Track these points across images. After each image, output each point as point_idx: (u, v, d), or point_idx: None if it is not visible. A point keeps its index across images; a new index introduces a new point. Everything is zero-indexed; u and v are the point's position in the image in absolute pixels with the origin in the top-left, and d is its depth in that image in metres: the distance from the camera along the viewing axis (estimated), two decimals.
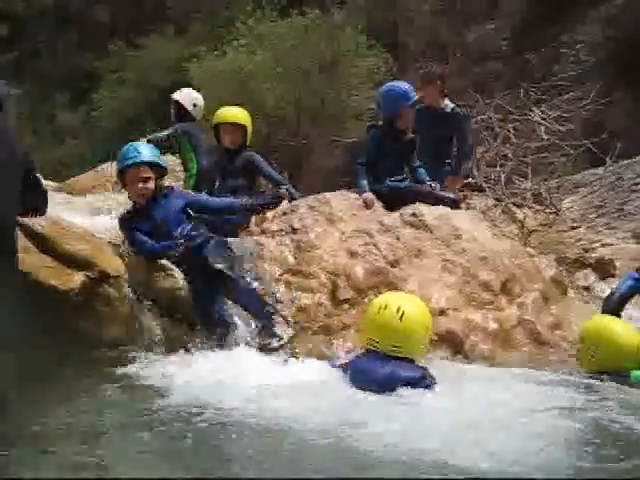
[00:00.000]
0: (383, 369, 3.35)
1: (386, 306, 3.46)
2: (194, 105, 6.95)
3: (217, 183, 5.56)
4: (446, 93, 6.36)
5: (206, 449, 2.65)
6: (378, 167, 5.26)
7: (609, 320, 4.31)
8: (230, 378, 3.45)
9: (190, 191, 5.54)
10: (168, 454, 2.63)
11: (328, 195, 5.00)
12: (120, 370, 3.58)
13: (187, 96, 6.96)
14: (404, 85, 5.60)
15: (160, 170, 4.31)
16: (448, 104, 6.29)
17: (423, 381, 3.34)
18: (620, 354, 3.97)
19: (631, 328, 4.13)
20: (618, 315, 4.41)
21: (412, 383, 3.30)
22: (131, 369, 3.60)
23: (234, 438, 2.76)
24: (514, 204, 7.95)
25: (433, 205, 5.08)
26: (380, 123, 5.53)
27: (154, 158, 4.27)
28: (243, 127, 5.56)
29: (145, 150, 4.29)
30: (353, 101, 13.81)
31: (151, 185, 4.23)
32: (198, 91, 7.52)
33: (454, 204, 5.36)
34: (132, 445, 2.70)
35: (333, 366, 3.68)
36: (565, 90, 9.56)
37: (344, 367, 3.58)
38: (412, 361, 3.45)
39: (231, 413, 2.96)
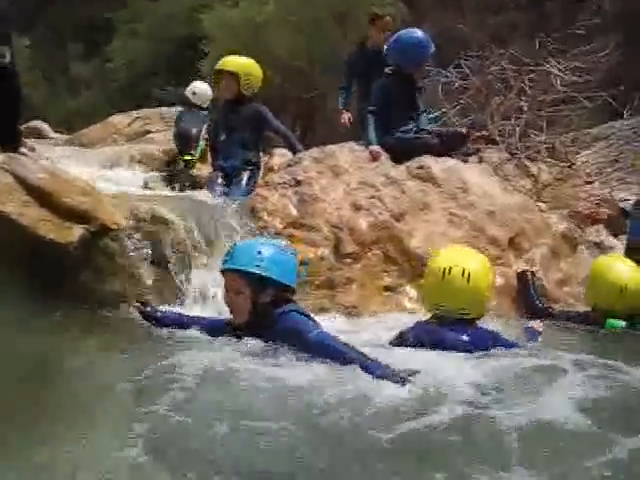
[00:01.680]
0: (462, 337, 3.24)
1: (450, 269, 3.32)
2: (193, 93, 7.94)
3: (223, 136, 5.47)
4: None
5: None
6: (387, 116, 5.16)
7: (614, 258, 4.41)
8: None
9: None
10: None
11: (333, 147, 4.92)
12: (121, 325, 3.55)
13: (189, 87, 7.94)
14: (421, 34, 5.46)
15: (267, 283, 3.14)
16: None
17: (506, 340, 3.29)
18: (605, 291, 4.05)
19: (627, 269, 4.11)
20: None
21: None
22: (130, 324, 3.56)
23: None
24: (528, 158, 7.81)
25: (442, 155, 5.00)
26: (389, 71, 5.38)
27: (247, 266, 3.12)
28: (235, 75, 5.38)
29: (240, 251, 3.23)
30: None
31: (242, 300, 3.16)
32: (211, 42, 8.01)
33: (464, 138, 5.26)
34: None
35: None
36: (585, 41, 9.30)
37: (402, 337, 3.38)
38: (473, 322, 3.35)
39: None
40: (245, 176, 5.20)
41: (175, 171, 7.60)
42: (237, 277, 3.15)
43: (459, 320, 3.31)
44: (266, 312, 3.11)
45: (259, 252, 3.14)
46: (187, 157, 7.75)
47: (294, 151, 5.21)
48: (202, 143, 7.70)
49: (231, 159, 5.29)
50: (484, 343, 3.22)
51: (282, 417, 2.36)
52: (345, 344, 2.92)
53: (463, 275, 3.29)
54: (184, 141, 7.90)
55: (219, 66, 5.52)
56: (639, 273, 4.13)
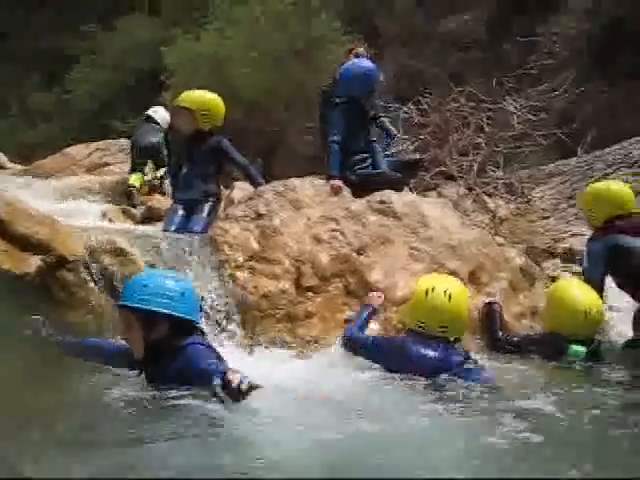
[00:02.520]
0: (434, 353, 3.45)
1: (433, 289, 3.58)
2: (155, 112, 8.53)
3: (185, 169, 5.44)
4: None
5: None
6: (346, 144, 5.20)
7: (567, 283, 4.50)
8: None
9: None
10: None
11: (295, 181, 4.92)
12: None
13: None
14: (369, 64, 5.56)
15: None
16: None
17: (469, 362, 3.47)
18: (567, 316, 4.11)
19: (586, 293, 4.22)
20: None
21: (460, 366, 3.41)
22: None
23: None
24: (486, 193, 7.95)
25: (401, 190, 5.06)
26: (339, 100, 5.44)
27: (131, 301, 3.03)
28: (191, 111, 5.36)
29: (128, 286, 3.15)
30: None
31: (135, 336, 3.06)
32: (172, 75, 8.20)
33: (418, 164, 5.32)
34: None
35: (350, 337, 3.78)
36: (540, 81, 9.55)
37: (364, 341, 3.73)
38: (451, 344, 3.54)
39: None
40: (206, 208, 5.17)
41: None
42: (127, 312, 3.05)
43: (436, 338, 3.50)
44: (162, 347, 2.98)
45: (144, 285, 3.04)
46: (133, 181, 7.80)
47: (255, 184, 5.21)
48: (162, 170, 7.81)
49: (191, 191, 5.26)
50: (448, 364, 3.38)
51: None
52: None
53: (445, 294, 3.55)
54: (145, 153, 8.04)
55: (176, 102, 5.53)
56: (595, 295, 4.24)
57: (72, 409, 2.87)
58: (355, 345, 3.76)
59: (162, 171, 7.87)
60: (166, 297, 3.00)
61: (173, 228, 5.08)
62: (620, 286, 4.70)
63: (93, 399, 2.95)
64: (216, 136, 5.42)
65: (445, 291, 3.57)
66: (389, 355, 3.57)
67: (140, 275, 3.25)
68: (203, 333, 3.17)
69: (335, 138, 5.17)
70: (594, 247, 4.65)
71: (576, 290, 4.26)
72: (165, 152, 7.99)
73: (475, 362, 3.52)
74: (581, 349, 4.07)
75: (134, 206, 7.38)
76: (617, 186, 4.94)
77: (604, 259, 4.55)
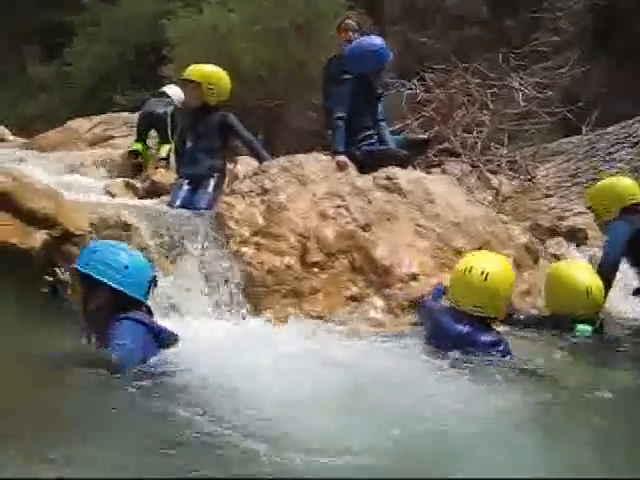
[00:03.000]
0: (462, 327, 3.48)
1: (471, 268, 3.57)
2: (169, 88, 8.40)
3: (189, 143, 5.41)
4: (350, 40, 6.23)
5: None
6: (352, 120, 5.16)
7: (568, 264, 4.59)
8: None
9: None
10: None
11: (300, 156, 4.90)
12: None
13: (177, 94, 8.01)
14: (380, 42, 5.49)
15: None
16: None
17: (498, 346, 3.45)
18: (570, 296, 4.14)
19: (588, 272, 4.28)
20: None
21: (489, 346, 3.42)
22: None
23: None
24: (489, 170, 7.92)
25: (406, 162, 5.04)
26: (348, 77, 5.39)
27: (78, 264, 3.11)
28: (198, 84, 5.35)
29: (83, 250, 3.25)
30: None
31: (79, 300, 3.18)
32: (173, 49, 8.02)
33: (426, 144, 5.31)
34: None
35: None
36: (545, 57, 9.48)
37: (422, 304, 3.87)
38: (489, 325, 3.55)
39: None
40: (211, 183, 5.16)
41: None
42: (76, 275, 3.13)
43: (474, 317, 3.52)
44: (97, 316, 3.07)
45: (94, 252, 3.13)
46: (135, 147, 7.78)
47: (260, 159, 5.19)
48: (167, 147, 7.74)
49: (197, 166, 5.24)
50: (474, 342, 3.42)
51: None
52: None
53: (482, 274, 3.52)
54: (147, 120, 8.05)
55: (184, 75, 5.49)
56: (594, 274, 4.29)
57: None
58: (422, 314, 3.91)
59: (167, 149, 7.78)
60: (108, 267, 3.06)
61: (178, 203, 5.07)
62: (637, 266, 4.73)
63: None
64: (222, 110, 5.39)
65: (482, 271, 3.54)
66: (433, 324, 3.67)
67: (96, 242, 3.36)
68: (150, 312, 3.19)
69: (340, 114, 5.14)
70: (620, 227, 4.65)
71: (576, 270, 4.30)
72: (171, 127, 7.92)
73: (506, 345, 3.51)
74: (587, 328, 4.08)
75: (140, 171, 7.43)
76: (625, 179, 5.10)
77: (627, 240, 4.58)
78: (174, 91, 8.22)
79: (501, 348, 3.45)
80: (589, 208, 4.80)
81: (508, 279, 3.63)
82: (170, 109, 8.02)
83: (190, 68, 5.50)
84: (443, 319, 3.58)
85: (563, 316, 4.15)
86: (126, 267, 3.08)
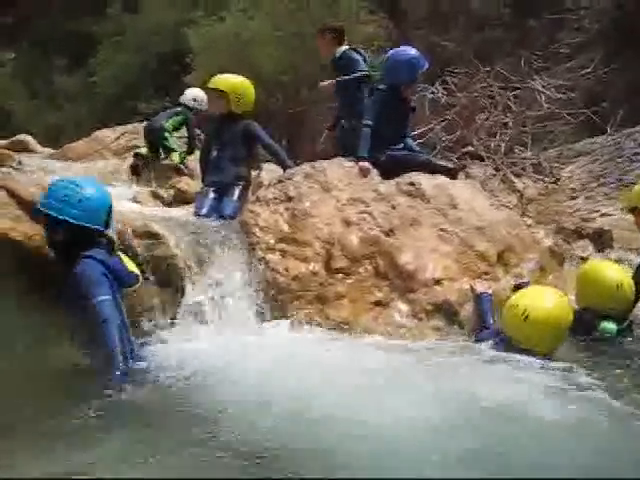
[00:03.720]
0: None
1: (517, 305, 3.73)
2: (194, 100, 8.21)
3: (214, 152, 5.47)
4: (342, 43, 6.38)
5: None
6: (379, 131, 5.18)
7: (599, 261, 4.74)
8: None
9: None
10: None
11: (324, 163, 4.93)
12: None
13: (188, 94, 8.27)
14: (415, 52, 5.48)
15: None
16: (340, 50, 6.31)
17: None
18: (600, 290, 4.21)
19: (619, 269, 4.39)
20: None
21: None
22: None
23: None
24: (513, 173, 7.91)
25: (430, 174, 5.03)
26: (382, 87, 5.42)
27: (41, 205, 3.23)
28: (224, 93, 5.41)
29: (46, 191, 3.32)
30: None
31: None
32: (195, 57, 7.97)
33: (451, 173, 5.31)
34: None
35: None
36: (568, 58, 9.44)
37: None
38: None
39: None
40: (236, 192, 5.21)
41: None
42: (39, 216, 3.30)
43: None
44: (62, 251, 3.26)
45: (51, 189, 3.26)
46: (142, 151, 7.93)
47: (284, 167, 5.24)
48: (176, 149, 7.89)
49: (222, 174, 5.30)
50: None
51: None
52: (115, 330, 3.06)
53: (523, 314, 3.67)
54: (148, 134, 8.20)
55: (210, 84, 5.55)
56: (626, 272, 4.38)
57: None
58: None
59: (177, 156, 7.91)
60: (62, 201, 3.20)
61: (205, 211, 5.13)
62: None
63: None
64: (246, 119, 5.45)
65: (524, 311, 3.69)
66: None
67: (52, 180, 3.44)
68: (111, 245, 3.33)
69: (368, 122, 5.15)
70: None
71: (607, 266, 4.44)
72: (171, 137, 8.03)
73: None
74: (611, 326, 4.13)
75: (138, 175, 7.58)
76: None
77: None
78: (186, 97, 8.26)
79: None
80: (633, 210, 4.73)
81: (551, 321, 3.70)
82: (177, 119, 8.10)
83: (216, 77, 5.55)
84: None
85: (589, 312, 4.18)
86: (80, 200, 3.21)
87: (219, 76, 5.59)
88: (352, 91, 6.04)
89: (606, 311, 4.19)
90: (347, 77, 6.05)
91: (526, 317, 3.65)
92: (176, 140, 8.02)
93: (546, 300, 3.76)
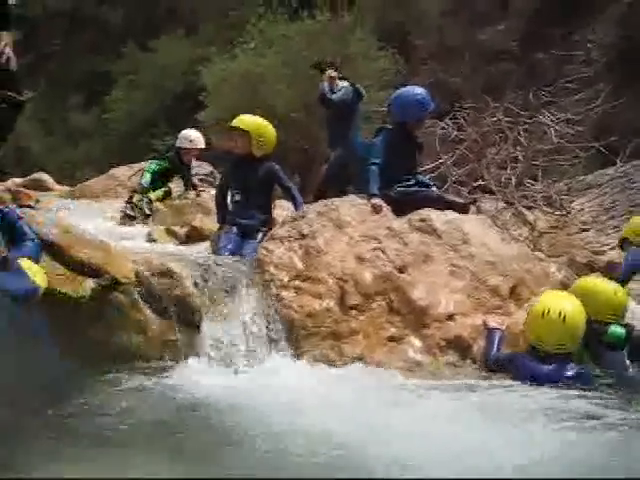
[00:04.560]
0: (541, 367, 3.87)
1: (549, 310, 3.95)
2: (190, 140, 8.34)
3: (237, 197, 5.49)
4: (342, 77, 7.45)
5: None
6: (387, 170, 5.26)
7: (588, 277, 4.95)
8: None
9: None
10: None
11: (336, 201, 5.01)
12: (133, 380, 3.62)
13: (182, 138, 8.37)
14: (422, 91, 5.56)
15: None
16: (339, 84, 7.23)
17: (581, 377, 3.85)
18: (600, 298, 4.30)
19: (609, 281, 4.60)
20: None
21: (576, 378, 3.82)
22: (144, 378, 3.64)
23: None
24: (524, 206, 7.98)
25: (442, 210, 5.09)
26: (389, 126, 5.53)
27: None
28: (246, 133, 5.43)
29: None
30: (363, 103, 13.79)
31: None
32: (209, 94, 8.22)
33: (463, 208, 5.38)
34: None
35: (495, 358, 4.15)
36: (576, 91, 9.55)
37: (504, 360, 4.09)
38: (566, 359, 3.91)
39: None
40: (260, 235, 5.24)
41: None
42: None
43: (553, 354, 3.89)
44: None
45: None
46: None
47: (297, 207, 5.31)
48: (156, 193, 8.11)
49: (249, 219, 5.34)
50: (560, 378, 3.79)
51: None
52: None
53: (560, 315, 3.93)
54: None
55: (234, 123, 5.56)
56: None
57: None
58: (501, 364, 4.12)
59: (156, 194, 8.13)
60: None
61: (229, 249, 5.09)
62: None
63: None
64: (267, 161, 5.50)
65: (560, 312, 3.92)
66: (517, 369, 3.95)
67: None
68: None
69: (376, 161, 5.23)
70: None
71: (599, 278, 4.77)
72: (150, 179, 8.22)
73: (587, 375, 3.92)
74: (620, 330, 4.22)
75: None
76: None
77: None
78: (179, 140, 8.45)
79: (582, 379, 3.82)
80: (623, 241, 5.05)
81: (582, 317, 4.02)
82: (150, 167, 8.33)
83: (240, 117, 5.59)
84: (529, 363, 3.90)
85: (594, 321, 4.23)
86: None
87: (243, 116, 5.63)
88: (344, 123, 6.51)
89: (606, 319, 4.26)
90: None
91: (564, 318, 3.90)
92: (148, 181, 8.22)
93: (567, 298, 4.12)
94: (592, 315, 4.24)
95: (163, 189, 8.20)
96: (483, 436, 2.89)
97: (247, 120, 5.55)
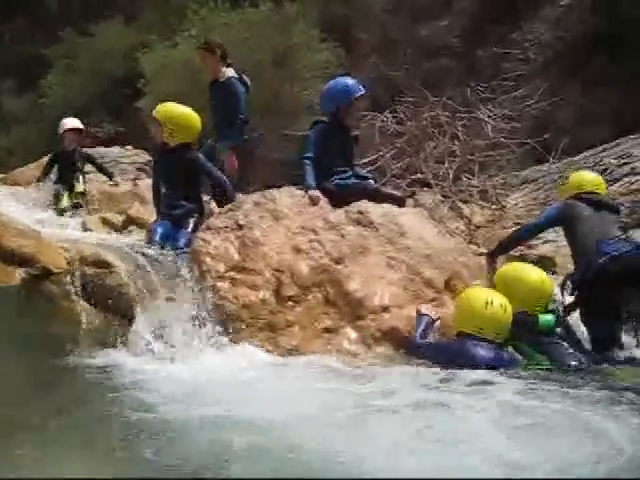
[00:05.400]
0: (489, 352, 4.07)
1: (492, 301, 4.18)
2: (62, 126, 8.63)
3: (164, 189, 5.45)
4: (229, 63, 6.75)
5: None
6: (323, 162, 5.26)
7: (515, 264, 5.01)
8: None
9: None
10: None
11: (274, 191, 5.00)
12: (62, 372, 3.55)
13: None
14: (349, 79, 5.59)
15: None
16: (227, 74, 6.65)
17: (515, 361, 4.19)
18: (528, 289, 4.46)
19: (533, 267, 4.74)
20: None
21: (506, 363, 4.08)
22: (74, 370, 3.57)
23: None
24: (461, 200, 8.11)
25: (379, 203, 5.13)
26: (324, 119, 5.54)
27: None
28: (158, 121, 5.36)
29: None
30: (305, 95, 13.82)
31: None
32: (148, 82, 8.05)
33: (400, 201, 5.44)
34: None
35: (418, 343, 4.24)
36: (513, 88, 9.74)
37: (429, 346, 4.23)
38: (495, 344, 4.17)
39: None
40: (191, 223, 5.21)
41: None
42: None
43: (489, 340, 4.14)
44: None
45: None
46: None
47: (228, 198, 5.27)
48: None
49: (175, 210, 5.30)
50: (501, 362, 4.05)
51: None
52: None
53: (501, 307, 4.20)
54: None
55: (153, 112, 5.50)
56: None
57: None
58: (420, 350, 4.24)
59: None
60: None
61: (158, 238, 5.03)
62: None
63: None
64: (189, 152, 5.42)
65: (501, 304, 4.19)
66: (452, 356, 4.06)
67: None
68: None
69: (307, 155, 5.23)
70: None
71: (524, 266, 4.79)
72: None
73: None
74: (550, 317, 4.40)
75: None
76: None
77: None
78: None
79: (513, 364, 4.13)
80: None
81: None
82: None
83: (159, 105, 5.51)
84: (472, 350, 4.06)
85: (524, 313, 4.38)
86: None
87: (163, 104, 5.53)
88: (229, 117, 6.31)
89: (534, 308, 4.42)
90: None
91: (505, 309, 4.17)
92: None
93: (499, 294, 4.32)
94: (519, 304, 4.38)
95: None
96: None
97: (161, 108, 5.44)
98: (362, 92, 5.49)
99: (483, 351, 4.06)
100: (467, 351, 4.06)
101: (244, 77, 6.78)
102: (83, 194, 7.99)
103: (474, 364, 3.92)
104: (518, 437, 2.76)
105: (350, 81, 5.53)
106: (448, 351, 4.15)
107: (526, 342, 4.38)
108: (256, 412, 2.97)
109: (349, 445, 2.66)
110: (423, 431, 2.82)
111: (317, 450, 2.60)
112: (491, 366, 3.92)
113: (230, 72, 6.63)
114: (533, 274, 4.55)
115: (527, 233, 5.66)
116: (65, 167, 8.21)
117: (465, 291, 4.48)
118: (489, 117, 8.37)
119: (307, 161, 5.20)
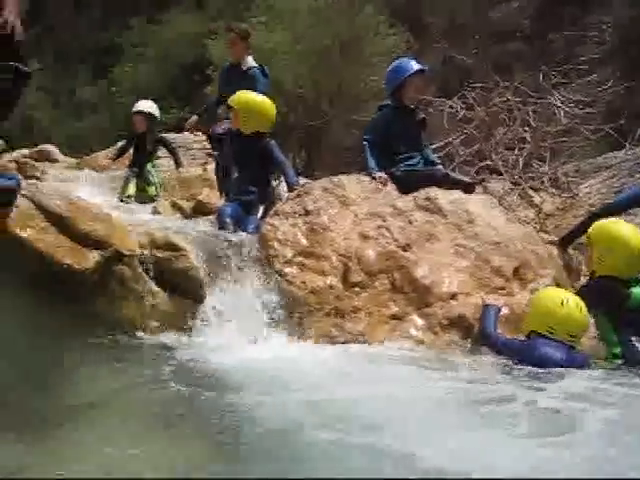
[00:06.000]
0: (561, 353, 3.87)
1: (568, 300, 3.96)
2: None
3: (235, 173, 5.51)
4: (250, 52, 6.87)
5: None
6: (387, 147, 5.23)
7: (617, 222, 4.55)
8: None
9: None
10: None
11: (342, 178, 5.00)
12: (133, 352, 3.63)
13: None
14: (397, 62, 5.54)
15: None
16: (248, 62, 6.74)
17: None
18: (631, 256, 4.19)
19: (637, 231, 4.36)
20: None
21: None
22: (145, 351, 3.65)
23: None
24: (531, 188, 7.92)
25: (448, 189, 5.08)
26: (389, 102, 5.50)
27: None
28: (233, 110, 5.49)
29: None
30: (372, 80, 13.73)
31: None
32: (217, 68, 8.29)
33: (469, 188, 5.36)
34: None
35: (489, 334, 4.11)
36: (587, 72, 9.46)
37: (500, 341, 4.07)
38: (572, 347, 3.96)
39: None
40: (261, 209, 5.28)
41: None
42: None
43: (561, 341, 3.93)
44: None
45: None
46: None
47: (288, 183, 5.29)
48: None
49: (246, 194, 5.36)
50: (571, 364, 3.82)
51: None
52: None
53: (577, 306, 3.95)
54: None
55: (229, 100, 5.62)
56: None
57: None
58: (490, 341, 4.12)
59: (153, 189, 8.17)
60: None
61: (227, 218, 5.10)
62: None
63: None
64: (262, 138, 5.49)
65: (577, 304, 3.96)
66: (522, 356, 3.90)
67: None
68: None
69: (367, 137, 5.23)
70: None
71: (630, 225, 4.42)
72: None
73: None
74: None
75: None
76: None
77: None
78: (148, 106, 8.69)
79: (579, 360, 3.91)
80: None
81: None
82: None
83: (237, 93, 5.60)
84: (542, 349, 3.88)
85: (613, 280, 4.19)
86: None
87: (241, 92, 5.65)
88: None
89: (634, 273, 4.19)
90: None
91: (581, 309, 3.92)
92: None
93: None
94: (612, 269, 4.22)
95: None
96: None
97: (238, 97, 5.54)
98: (415, 69, 5.39)
99: (554, 351, 3.90)
100: (537, 350, 3.91)
101: (265, 69, 6.90)
102: (161, 185, 8.14)
103: (544, 365, 3.77)
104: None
105: (404, 60, 5.49)
106: (518, 351, 4.00)
107: (607, 316, 4.18)
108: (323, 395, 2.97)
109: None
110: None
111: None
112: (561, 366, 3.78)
113: (251, 61, 6.75)
114: (633, 237, 4.22)
115: (607, 214, 5.08)
116: (137, 150, 8.35)
117: (540, 290, 4.32)
118: (561, 102, 8.13)
119: (367, 143, 5.20)
